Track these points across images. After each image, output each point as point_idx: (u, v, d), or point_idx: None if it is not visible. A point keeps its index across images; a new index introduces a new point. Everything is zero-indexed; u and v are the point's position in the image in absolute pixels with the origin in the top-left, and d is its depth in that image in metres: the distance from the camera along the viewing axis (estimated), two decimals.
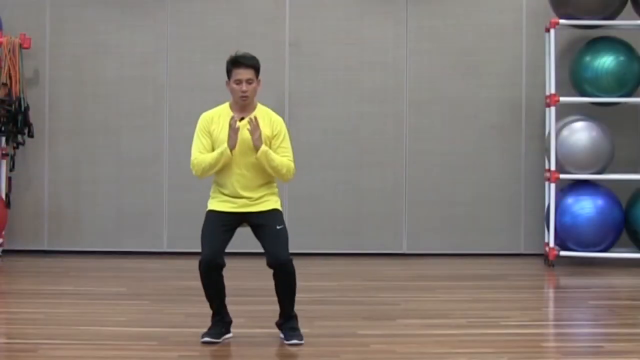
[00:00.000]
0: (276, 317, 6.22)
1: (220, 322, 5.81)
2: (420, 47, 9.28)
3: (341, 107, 9.27)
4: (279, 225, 5.74)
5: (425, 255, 9.20)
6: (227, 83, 5.67)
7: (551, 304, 7.52)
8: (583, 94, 8.82)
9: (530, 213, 9.23)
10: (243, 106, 5.66)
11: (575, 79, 8.87)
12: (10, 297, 7.35)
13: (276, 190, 5.84)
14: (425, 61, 9.28)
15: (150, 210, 9.22)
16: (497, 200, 9.27)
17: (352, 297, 7.26)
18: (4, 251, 8.97)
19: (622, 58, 8.66)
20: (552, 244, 8.60)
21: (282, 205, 5.93)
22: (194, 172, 5.72)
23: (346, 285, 7.78)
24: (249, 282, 7.50)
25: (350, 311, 6.71)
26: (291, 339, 5.76)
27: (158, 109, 9.24)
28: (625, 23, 8.81)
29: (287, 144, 5.77)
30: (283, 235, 5.72)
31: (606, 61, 8.65)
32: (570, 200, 8.66)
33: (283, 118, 9.02)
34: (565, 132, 8.72)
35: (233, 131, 5.54)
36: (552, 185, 8.59)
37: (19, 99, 8.83)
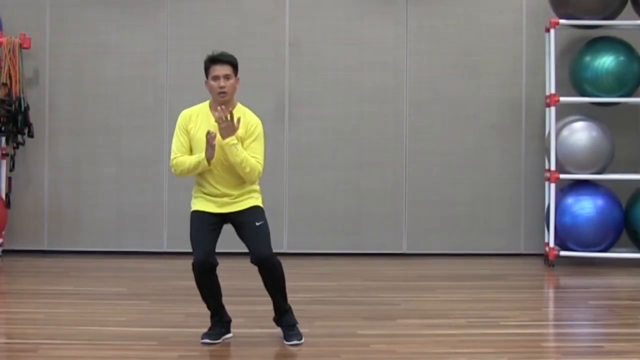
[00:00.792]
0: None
1: (220, 322, 5.82)
2: (420, 47, 9.28)
3: (341, 107, 9.27)
4: (258, 222, 5.68)
5: (425, 255, 9.20)
6: (206, 82, 5.68)
7: (551, 304, 7.52)
8: (583, 94, 8.82)
9: (530, 213, 9.23)
10: (222, 104, 5.62)
11: (575, 79, 8.87)
12: (10, 297, 7.35)
13: (257, 187, 5.79)
14: (425, 61, 9.28)
15: (150, 210, 9.22)
16: (497, 200, 9.27)
17: (352, 297, 7.26)
18: (4, 251, 8.97)
19: (622, 58, 8.66)
20: (552, 244, 8.60)
21: (263, 203, 5.84)
22: (172, 171, 5.76)
23: (346, 285, 7.78)
24: (248, 282, 7.46)
25: (350, 311, 6.72)
26: (291, 339, 5.76)
27: (158, 109, 9.24)
28: (625, 23, 8.81)
29: (259, 145, 5.70)
30: (263, 231, 5.67)
31: (606, 61, 8.65)
32: (570, 200, 8.66)
33: (283, 118, 9.24)
34: (565, 132, 8.72)
35: (210, 145, 5.52)
36: (552, 185, 8.59)
37: (19, 99, 8.83)
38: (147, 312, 6.61)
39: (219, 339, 5.78)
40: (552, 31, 8.67)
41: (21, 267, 8.56)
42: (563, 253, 8.63)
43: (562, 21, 8.69)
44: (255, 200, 5.74)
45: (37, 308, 6.67)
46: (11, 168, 8.97)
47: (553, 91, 8.65)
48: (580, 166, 8.69)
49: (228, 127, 5.53)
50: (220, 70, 5.61)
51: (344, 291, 7.48)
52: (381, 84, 9.28)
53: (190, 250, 5.68)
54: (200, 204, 5.71)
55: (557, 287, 8.08)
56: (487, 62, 9.28)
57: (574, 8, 8.67)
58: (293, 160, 9.26)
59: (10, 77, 8.82)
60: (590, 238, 8.55)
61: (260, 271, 5.69)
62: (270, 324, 6.00)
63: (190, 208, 5.77)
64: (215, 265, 5.66)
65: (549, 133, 8.71)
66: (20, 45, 8.87)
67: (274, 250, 8.88)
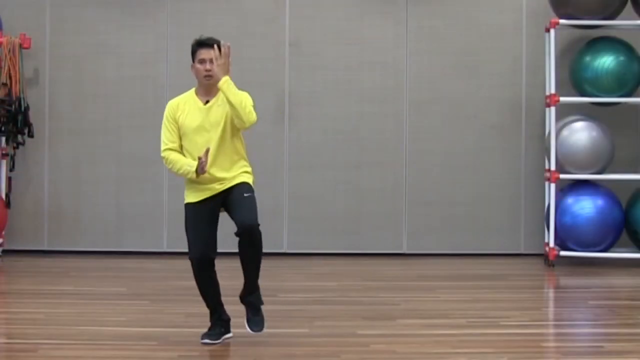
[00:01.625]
0: (276, 317, 6.25)
1: (219, 320, 5.81)
2: (420, 47, 9.28)
3: (341, 107, 9.27)
4: (246, 193, 5.60)
5: (425, 255, 9.20)
6: (192, 66, 5.66)
7: (551, 304, 7.52)
8: (583, 94, 8.82)
9: (530, 213, 9.23)
10: (208, 87, 5.61)
11: (575, 79, 8.87)
12: (10, 297, 7.35)
13: (249, 169, 5.74)
14: (425, 61, 9.28)
15: (150, 210, 9.22)
16: (497, 200, 9.27)
17: (352, 297, 7.26)
18: (4, 251, 8.97)
19: (622, 58, 8.66)
20: (552, 244, 8.60)
21: (254, 184, 5.74)
22: (164, 162, 5.71)
23: (346, 285, 7.78)
24: None
25: (350, 311, 6.71)
26: (253, 327, 5.68)
27: (158, 109, 9.14)
28: (625, 23, 8.81)
29: (249, 100, 5.64)
30: (250, 201, 5.58)
31: (606, 61, 8.65)
32: (570, 200, 8.66)
33: (283, 118, 9.24)
34: (565, 132, 8.72)
35: (201, 168, 5.49)
36: (552, 185, 8.59)
37: (19, 99, 8.84)
38: (147, 312, 6.62)
39: (219, 339, 5.77)
40: (552, 31, 8.67)
41: (21, 267, 8.57)
42: (563, 253, 8.63)
43: (562, 21, 8.69)
44: (247, 178, 5.69)
45: (37, 308, 6.67)
46: (11, 168, 8.97)
47: (553, 91, 8.65)
48: (580, 166, 8.70)
49: (224, 64, 5.50)
50: (207, 53, 5.57)
51: (344, 291, 7.49)
52: (381, 84, 9.28)
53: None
54: (193, 195, 5.67)
55: (557, 287, 8.08)
56: (487, 62, 9.28)
57: (574, 8, 8.67)
58: (293, 160, 9.26)
59: (10, 77, 8.82)
60: (590, 238, 8.55)
61: (241, 241, 5.53)
62: (270, 324, 6.00)
63: (184, 200, 5.74)
64: (212, 258, 5.66)
65: (549, 133, 8.71)
66: (20, 45, 8.88)
67: (274, 250, 9.00)
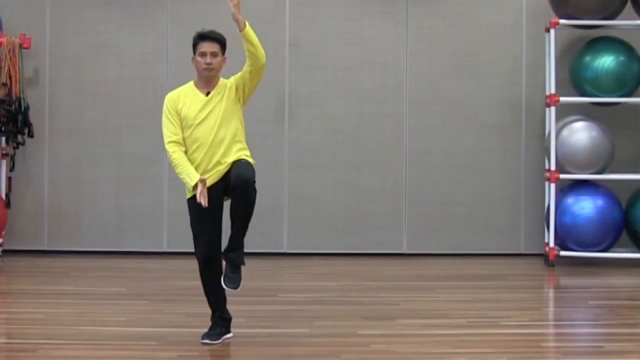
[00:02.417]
0: (276, 317, 6.27)
1: (220, 319, 5.80)
2: (420, 47, 9.28)
3: (341, 107, 9.27)
4: (244, 160, 5.63)
5: (425, 255, 9.20)
6: (193, 58, 5.71)
7: (551, 304, 7.52)
8: (583, 94, 8.82)
9: (530, 213, 9.23)
10: (207, 79, 5.66)
11: (575, 79, 8.87)
12: (10, 297, 7.35)
13: (248, 153, 5.73)
14: (425, 61, 9.28)
15: (150, 210, 9.22)
16: (497, 200, 9.27)
17: (352, 297, 7.26)
18: (4, 251, 8.97)
19: (622, 58, 8.66)
20: (552, 244, 8.59)
21: (255, 166, 5.70)
22: (167, 155, 5.70)
23: (346, 285, 7.77)
24: (248, 282, 7.48)
25: (350, 311, 6.71)
26: (228, 283, 5.60)
27: (158, 109, 9.15)
28: (625, 23, 8.81)
29: None
30: (246, 163, 5.61)
31: (606, 61, 8.65)
32: (570, 200, 8.66)
33: (283, 118, 9.24)
34: (565, 132, 8.72)
35: (201, 193, 5.49)
36: (552, 185, 8.59)
37: (19, 99, 8.83)
38: (147, 312, 6.61)
39: (219, 339, 5.76)
40: (552, 31, 8.67)
41: (21, 267, 8.57)
42: (563, 253, 8.63)
43: (562, 21, 8.69)
44: (246, 157, 5.69)
45: (37, 308, 6.67)
46: (11, 168, 8.97)
47: (553, 91, 8.65)
48: (580, 166, 8.70)
49: (238, 3, 5.72)
50: (208, 47, 5.65)
51: (344, 291, 7.49)
52: (381, 84, 9.28)
53: (191, 250, 5.77)
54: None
55: (557, 287, 8.08)
56: (487, 62, 9.28)
57: (574, 8, 8.67)
58: (293, 160, 9.26)
59: (10, 77, 8.82)
60: (590, 238, 8.55)
61: (234, 195, 5.52)
62: (270, 324, 6.00)
63: (186, 195, 5.73)
64: (218, 254, 5.70)
65: (549, 133, 8.71)
66: (20, 45, 8.87)
67: (274, 250, 9.03)
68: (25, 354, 5.49)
